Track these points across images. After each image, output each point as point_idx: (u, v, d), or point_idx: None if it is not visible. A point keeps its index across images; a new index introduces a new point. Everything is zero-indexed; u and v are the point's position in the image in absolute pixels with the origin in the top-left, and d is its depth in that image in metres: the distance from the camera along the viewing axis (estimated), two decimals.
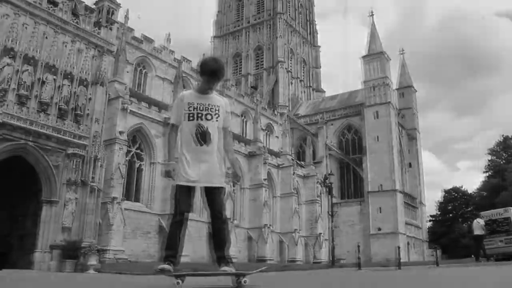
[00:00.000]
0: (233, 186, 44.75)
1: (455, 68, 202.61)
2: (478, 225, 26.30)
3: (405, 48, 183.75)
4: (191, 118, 5.42)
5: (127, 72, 44.34)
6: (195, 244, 35.34)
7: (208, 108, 5.45)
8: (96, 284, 10.35)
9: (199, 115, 5.42)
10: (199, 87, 5.63)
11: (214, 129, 5.47)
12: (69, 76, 29.26)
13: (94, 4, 34.60)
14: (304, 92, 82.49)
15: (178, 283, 4.94)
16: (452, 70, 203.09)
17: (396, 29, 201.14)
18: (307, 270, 21.27)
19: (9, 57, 26.30)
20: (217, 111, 5.50)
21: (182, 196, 5.41)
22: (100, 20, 33.21)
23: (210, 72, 5.47)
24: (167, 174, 5.44)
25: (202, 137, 5.38)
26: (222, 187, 5.58)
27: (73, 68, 29.62)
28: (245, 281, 5.20)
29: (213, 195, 5.52)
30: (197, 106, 5.44)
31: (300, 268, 26.01)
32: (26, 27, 27.76)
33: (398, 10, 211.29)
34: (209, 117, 5.43)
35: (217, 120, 5.49)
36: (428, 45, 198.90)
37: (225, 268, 5.34)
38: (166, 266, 5.22)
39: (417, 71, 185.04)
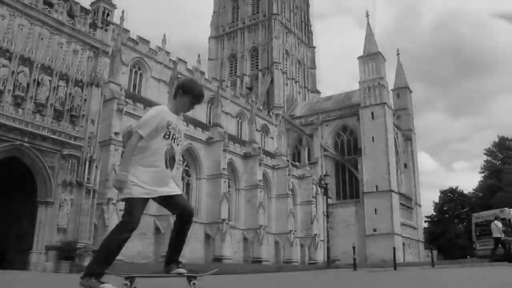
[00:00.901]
0: (229, 187, 44.82)
1: (451, 68, 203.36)
2: (495, 228, 26.19)
3: (401, 48, 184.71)
4: (166, 137, 5.12)
5: (123, 73, 44.37)
6: (190, 245, 35.39)
7: (179, 132, 5.27)
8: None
9: (174, 137, 5.17)
10: (176, 107, 5.34)
11: (178, 155, 5.36)
12: (64, 77, 29.20)
13: (89, 5, 34.59)
14: (300, 93, 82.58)
15: (126, 285, 4.83)
16: (448, 70, 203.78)
17: (392, 30, 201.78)
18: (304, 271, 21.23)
19: (5, 58, 26.26)
20: (181, 137, 5.34)
21: (137, 209, 5.03)
22: (96, 21, 33.18)
23: (197, 95, 5.32)
24: (120, 185, 4.95)
25: (171, 161, 5.15)
26: (181, 194, 5.43)
27: (69, 69, 29.57)
28: (193, 284, 5.07)
29: (179, 200, 5.28)
30: (174, 127, 5.18)
31: (294, 269, 25.98)
32: (21, 28, 27.70)
33: (394, 11, 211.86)
34: (178, 141, 5.26)
35: (179, 147, 5.34)
36: (424, 45, 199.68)
37: (179, 270, 5.24)
38: (107, 285, 4.81)
39: (413, 71, 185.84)
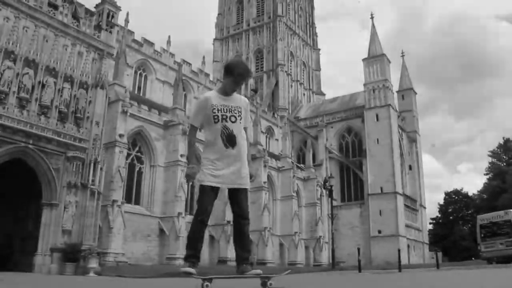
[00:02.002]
0: None
1: (454, 71, 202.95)
2: None
3: (405, 51, 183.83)
4: (216, 121, 5.36)
5: (127, 75, 44.41)
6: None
7: (232, 110, 5.42)
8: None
9: (224, 117, 5.37)
10: (223, 89, 5.55)
11: (239, 131, 5.44)
12: (69, 79, 29.25)
13: (94, 7, 34.61)
14: (304, 95, 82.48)
15: (207, 285, 4.93)
16: (452, 72, 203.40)
17: (396, 32, 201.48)
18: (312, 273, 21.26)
19: (10, 60, 26.30)
20: (240, 112, 5.47)
21: (207, 196, 5.39)
22: (101, 23, 33.21)
23: (239, 73, 5.44)
24: (189, 177, 5.50)
25: (229, 140, 5.35)
26: (247, 188, 5.58)
27: (74, 71, 29.61)
28: (270, 284, 5.22)
29: (239, 196, 5.50)
30: (221, 108, 5.38)
31: (300, 271, 26.00)
32: (26, 30, 27.76)
33: (398, 13, 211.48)
34: (233, 119, 5.40)
35: (240, 122, 5.47)
36: (428, 48, 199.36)
37: (256, 271, 5.36)
38: (190, 269, 5.19)
39: (417, 74, 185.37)
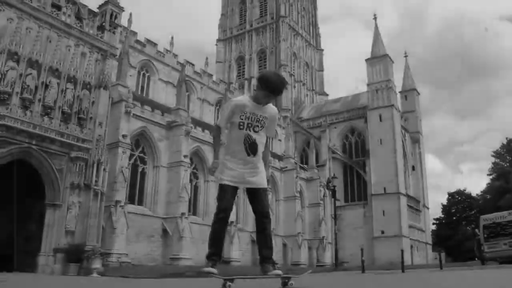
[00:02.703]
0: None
1: (457, 71, 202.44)
2: None
3: (408, 51, 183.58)
4: (241, 127, 5.43)
5: (131, 75, 44.44)
6: (198, 247, 35.38)
7: (259, 120, 5.47)
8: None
9: (249, 125, 5.43)
10: (256, 97, 5.54)
11: (260, 140, 5.53)
12: (72, 80, 29.31)
13: (97, 8, 34.66)
14: (307, 95, 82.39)
15: (229, 286, 4.95)
16: (454, 73, 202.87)
17: (399, 33, 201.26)
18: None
19: (13, 61, 26.36)
20: (264, 123, 5.51)
21: (227, 194, 5.48)
22: (104, 24, 33.25)
23: (272, 89, 5.41)
24: (211, 171, 5.70)
25: (251, 148, 5.44)
26: (266, 188, 5.68)
27: (77, 71, 29.67)
28: (291, 284, 5.28)
29: (259, 196, 5.59)
30: (249, 116, 5.43)
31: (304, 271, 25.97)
32: (30, 31, 27.81)
33: (401, 14, 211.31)
34: (257, 129, 5.46)
35: (263, 132, 5.54)
36: (430, 48, 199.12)
37: (276, 272, 5.38)
38: (211, 269, 5.27)
39: (419, 74, 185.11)
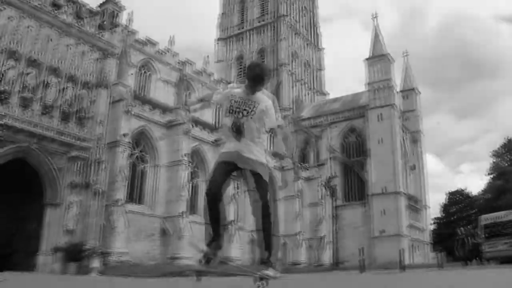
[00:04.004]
0: (237, 188, 44.72)
1: (456, 71, 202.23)
2: None
3: (408, 51, 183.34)
4: (230, 111, 5.55)
5: (131, 74, 44.34)
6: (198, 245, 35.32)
7: (247, 103, 5.53)
8: None
9: (238, 109, 5.52)
10: (246, 86, 5.66)
11: (251, 125, 5.54)
12: (72, 79, 29.31)
13: (98, 7, 34.63)
14: (308, 94, 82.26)
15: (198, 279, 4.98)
16: (454, 73, 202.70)
17: (398, 33, 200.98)
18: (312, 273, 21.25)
19: (13, 60, 26.35)
20: (254, 109, 5.54)
21: (215, 172, 5.61)
22: (104, 22, 33.23)
23: (251, 77, 5.53)
24: (187, 106, 5.81)
25: (238, 130, 5.49)
26: (261, 175, 5.56)
27: (77, 70, 29.67)
28: (260, 285, 5.21)
29: (256, 182, 5.54)
30: (238, 100, 5.55)
31: (301, 271, 26.00)
32: (30, 30, 27.80)
33: (400, 13, 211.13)
34: (245, 112, 5.52)
35: (252, 117, 5.54)
36: (430, 48, 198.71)
37: (267, 272, 5.33)
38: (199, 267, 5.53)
39: (418, 74, 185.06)
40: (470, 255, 31.03)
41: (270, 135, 64.28)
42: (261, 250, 5.50)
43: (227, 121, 5.58)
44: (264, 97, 5.73)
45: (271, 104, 5.75)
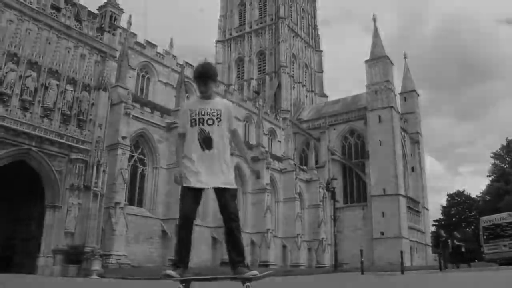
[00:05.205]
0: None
1: (456, 73, 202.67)
2: None
3: (407, 53, 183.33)
4: (193, 124, 5.36)
5: (130, 77, 44.42)
6: (197, 249, 35.34)
7: (209, 113, 5.39)
8: None
9: (201, 120, 5.36)
10: (200, 93, 5.57)
11: (217, 133, 5.37)
12: (72, 81, 29.32)
13: (97, 9, 34.68)
14: (307, 96, 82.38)
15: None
16: (453, 75, 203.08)
17: (397, 35, 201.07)
18: (312, 275, 21.23)
19: (13, 63, 26.37)
20: (219, 115, 5.41)
21: (187, 198, 5.28)
22: (103, 25, 33.28)
23: (198, 76, 5.47)
24: (176, 180, 5.37)
25: (206, 142, 5.30)
26: (231, 189, 5.41)
27: (76, 73, 29.68)
28: (247, 286, 5.10)
29: (224, 197, 5.35)
30: (198, 112, 5.38)
31: (302, 273, 25.98)
32: (29, 33, 27.81)
33: (399, 16, 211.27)
34: (210, 122, 5.36)
35: (218, 125, 5.39)
36: (429, 50, 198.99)
37: (253, 272, 5.23)
38: (171, 272, 5.13)
39: (418, 76, 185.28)
40: (453, 258, 31.11)
41: (269, 138, 64.46)
42: (234, 254, 5.40)
43: (190, 135, 5.41)
44: (222, 100, 5.72)
45: (229, 106, 5.69)
